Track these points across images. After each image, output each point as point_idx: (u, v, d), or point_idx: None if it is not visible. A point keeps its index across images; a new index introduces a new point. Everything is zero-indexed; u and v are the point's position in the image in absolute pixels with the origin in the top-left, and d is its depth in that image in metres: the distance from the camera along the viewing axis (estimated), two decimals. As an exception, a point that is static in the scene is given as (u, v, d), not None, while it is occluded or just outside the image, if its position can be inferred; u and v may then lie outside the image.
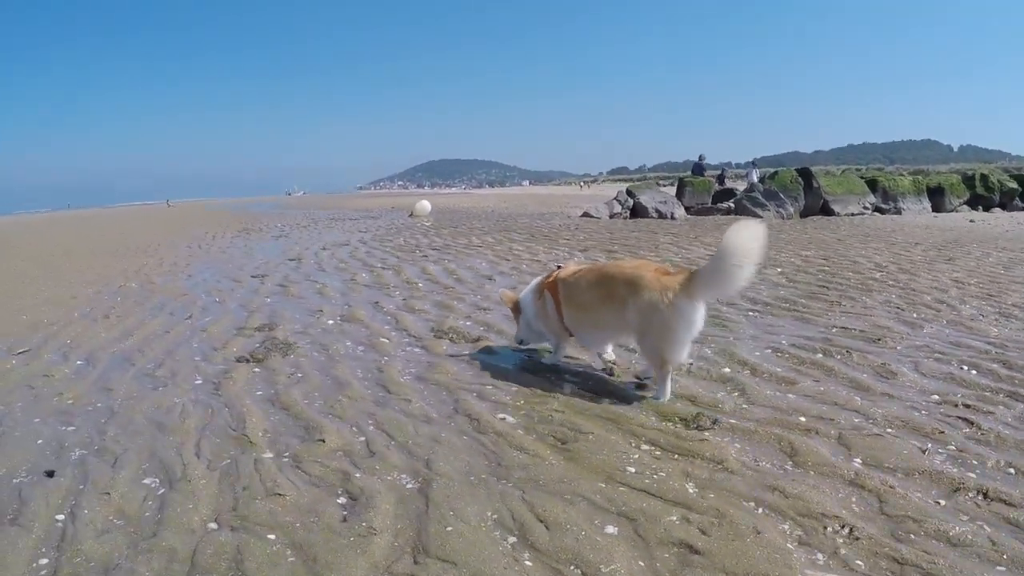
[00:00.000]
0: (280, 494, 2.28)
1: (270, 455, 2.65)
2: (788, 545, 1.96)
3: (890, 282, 6.10)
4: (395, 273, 7.43)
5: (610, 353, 3.77)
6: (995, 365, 3.54)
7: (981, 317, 4.65)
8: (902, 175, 19.87)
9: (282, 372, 3.77)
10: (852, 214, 15.35)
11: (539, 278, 3.91)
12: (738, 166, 42.65)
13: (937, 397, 3.14)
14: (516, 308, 3.88)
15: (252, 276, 7.57)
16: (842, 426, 2.81)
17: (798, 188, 15.49)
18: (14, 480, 2.52)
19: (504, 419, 2.93)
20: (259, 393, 3.44)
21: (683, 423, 2.86)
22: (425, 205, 20.02)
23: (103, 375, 3.87)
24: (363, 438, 2.78)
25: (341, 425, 2.93)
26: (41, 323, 5.35)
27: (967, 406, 3.01)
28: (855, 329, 4.36)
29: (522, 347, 4.02)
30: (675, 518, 2.10)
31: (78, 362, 4.19)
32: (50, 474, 2.56)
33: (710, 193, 17.94)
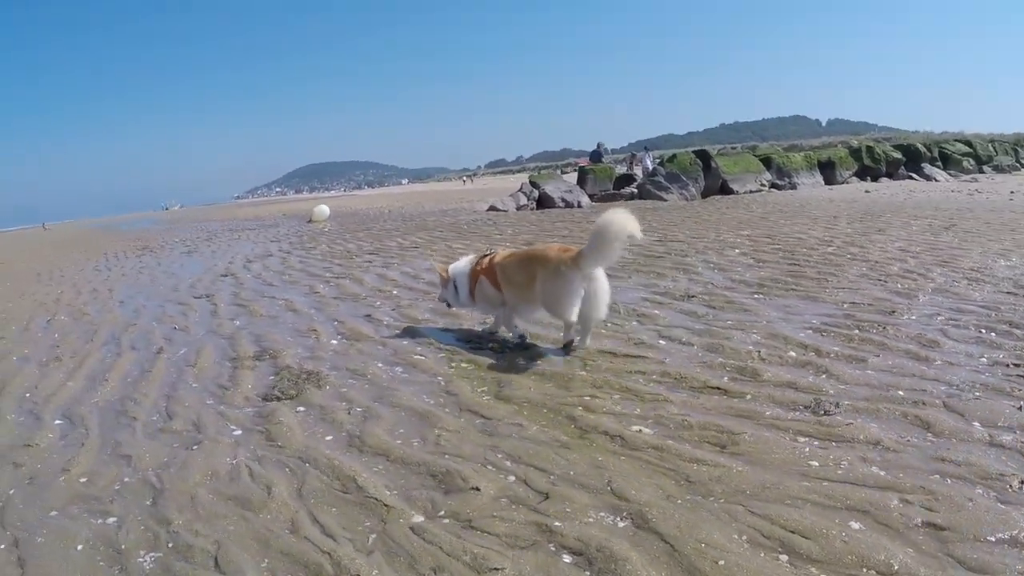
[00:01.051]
0: (496, 568, 1.91)
1: (421, 518, 2.23)
2: (1000, 505, 2.07)
3: (847, 255, 6.62)
4: (355, 282, 6.97)
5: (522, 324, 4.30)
6: (1004, 326, 3.91)
7: (955, 283, 5.12)
8: (778, 152, 21.80)
9: (336, 409, 3.32)
10: (750, 191, 16.61)
11: (469, 257, 4.47)
12: (614, 151, 44.70)
13: (985, 360, 3.41)
14: (446, 278, 4.42)
15: (195, 297, 6.74)
16: (937, 395, 2.98)
17: (697, 170, 16.51)
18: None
19: (641, 431, 2.79)
20: (329, 438, 2.98)
21: (808, 410, 2.89)
22: (324, 209, 19.17)
23: (105, 438, 3.18)
24: (512, 477, 2.46)
25: (472, 465, 2.57)
26: (-25, 375, 4.39)
27: (1016, 364, 3.31)
28: (863, 303, 4.66)
29: (447, 307, 4.64)
30: (896, 502, 2.12)
31: (57, 422, 3.45)
32: None
33: (612, 180, 18.67)
